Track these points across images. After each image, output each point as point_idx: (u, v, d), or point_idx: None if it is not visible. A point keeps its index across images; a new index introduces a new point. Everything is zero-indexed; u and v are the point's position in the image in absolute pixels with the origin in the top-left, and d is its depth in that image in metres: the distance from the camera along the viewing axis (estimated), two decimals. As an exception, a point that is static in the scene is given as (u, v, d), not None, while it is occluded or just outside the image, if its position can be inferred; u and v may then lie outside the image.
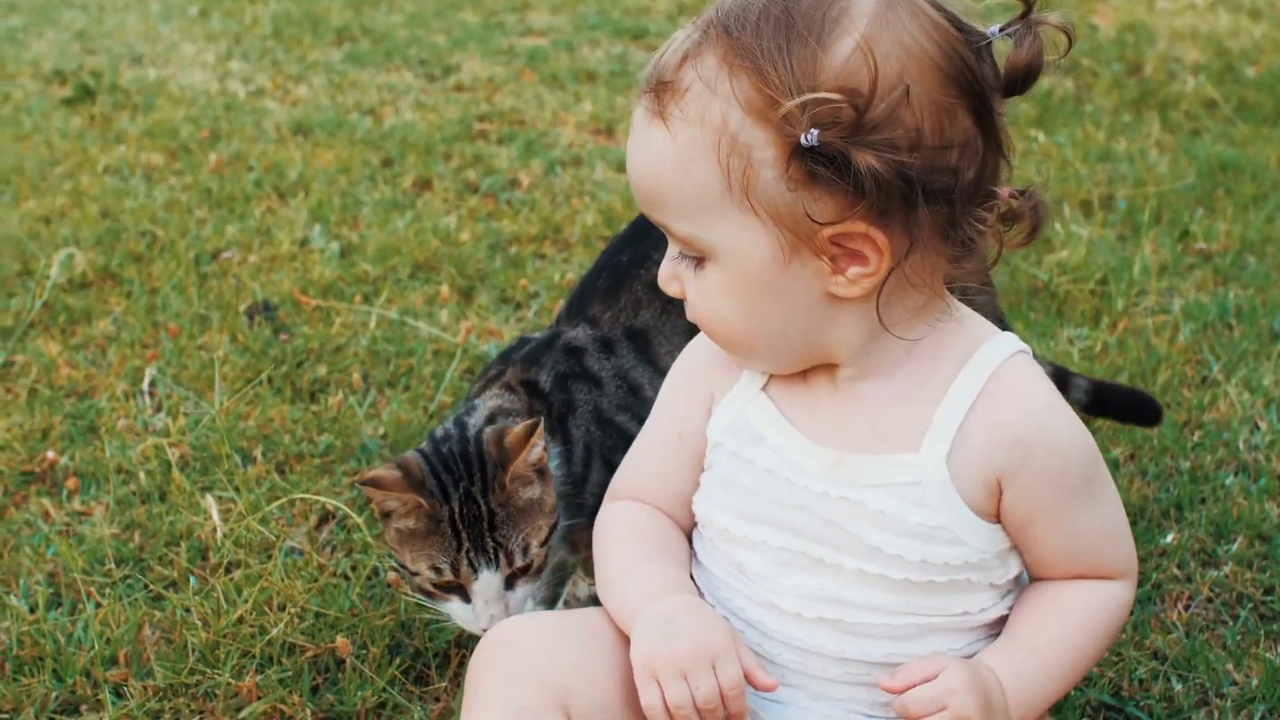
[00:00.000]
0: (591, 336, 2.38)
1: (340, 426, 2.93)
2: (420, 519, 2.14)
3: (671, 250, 1.66)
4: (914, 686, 1.62)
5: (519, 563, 2.16)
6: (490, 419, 2.28)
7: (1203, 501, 2.64)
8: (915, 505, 1.67)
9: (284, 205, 4.14)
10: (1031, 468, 1.67)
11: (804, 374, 1.74)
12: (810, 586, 1.72)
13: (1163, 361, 3.08)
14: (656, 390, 1.91)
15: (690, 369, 1.86)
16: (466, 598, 2.16)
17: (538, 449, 2.17)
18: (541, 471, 2.19)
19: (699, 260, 1.63)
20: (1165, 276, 3.54)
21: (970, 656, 1.72)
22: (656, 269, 1.76)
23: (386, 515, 2.18)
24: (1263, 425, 2.87)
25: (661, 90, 1.57)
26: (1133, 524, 2.54)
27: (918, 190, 1.53)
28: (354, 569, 2.50)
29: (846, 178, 1.51)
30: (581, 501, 2.31)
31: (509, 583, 2.17)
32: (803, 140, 1.50)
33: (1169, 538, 2.53)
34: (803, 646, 1.74)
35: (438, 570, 2.14)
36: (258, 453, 2.84)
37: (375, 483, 2.14)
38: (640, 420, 1.95)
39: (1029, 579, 1.78)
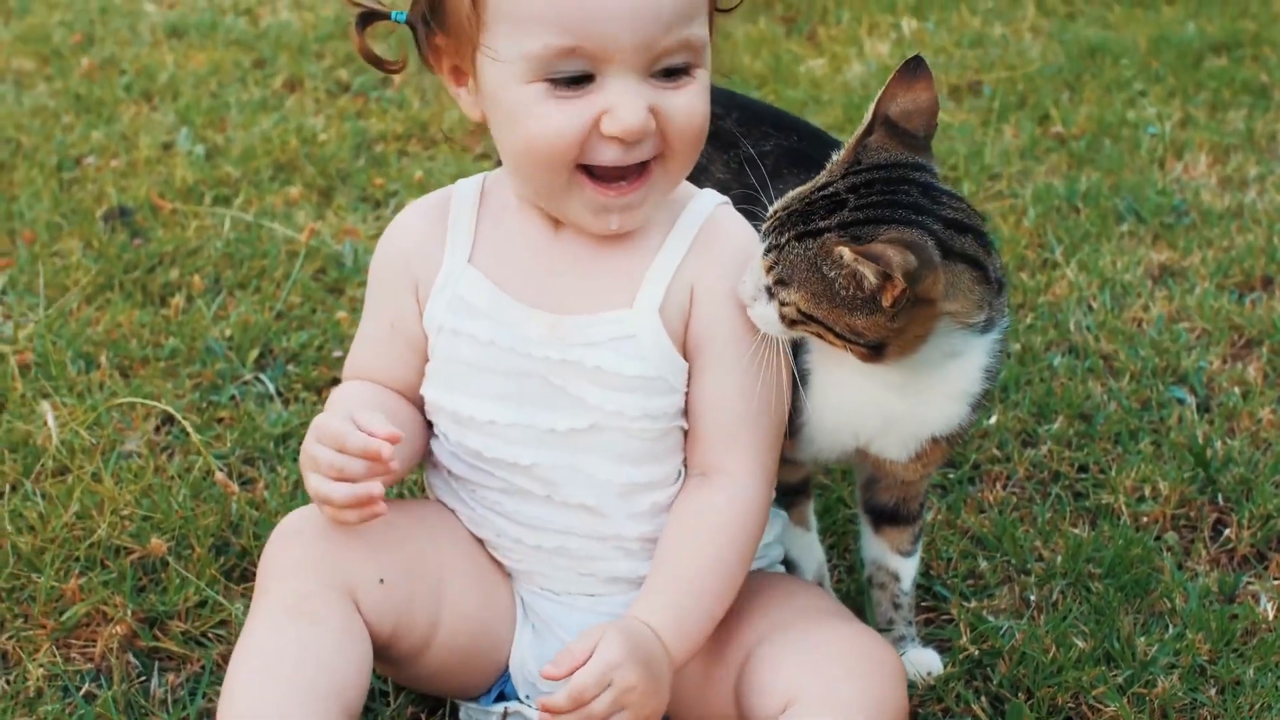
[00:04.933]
0: None
1: (187, 330, 2.92)
2: None
3: (640, 82, 1.65)
4: (577, 668, 1.61)
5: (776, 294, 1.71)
6: None
7: (1029, 383, 2.67)
8: (632, 359, 1.73)
9: (152, 109, 4.09)
10: (715, 298, 1.76)
11: (514, 241, 1.81)
12: (547, 462, 1.78)
13: (1005, 245, 3.10)
14: None
15: (392, 257, 1.89)
16: None
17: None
18: (873, 301, 1.65)
19: (686, 71, 1.67)
20: (1020, 160, 3.56)
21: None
22: None
23: None
24: (1095, 306, 2.91)
25: None
26: (958, 406, 2.58)
27: None
28: (188, 471, 2.51)
29: None
30: None
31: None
32: None
33: (992, 419, 2.56)
34: (556, 528, 1.80)
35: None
36: (103, 358, 2.83)
37: None
38: None
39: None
